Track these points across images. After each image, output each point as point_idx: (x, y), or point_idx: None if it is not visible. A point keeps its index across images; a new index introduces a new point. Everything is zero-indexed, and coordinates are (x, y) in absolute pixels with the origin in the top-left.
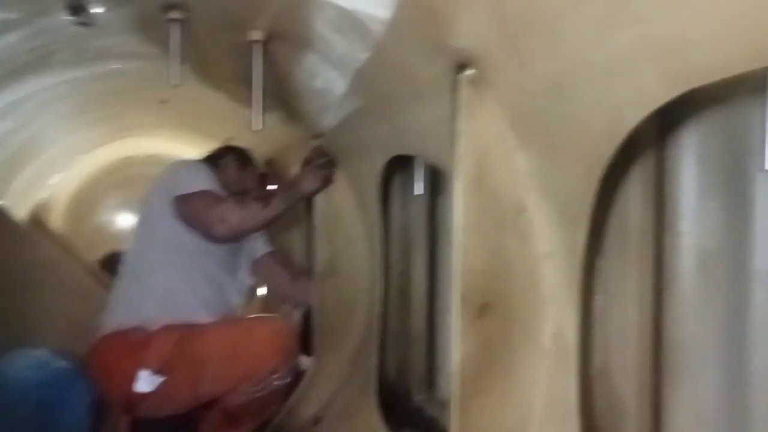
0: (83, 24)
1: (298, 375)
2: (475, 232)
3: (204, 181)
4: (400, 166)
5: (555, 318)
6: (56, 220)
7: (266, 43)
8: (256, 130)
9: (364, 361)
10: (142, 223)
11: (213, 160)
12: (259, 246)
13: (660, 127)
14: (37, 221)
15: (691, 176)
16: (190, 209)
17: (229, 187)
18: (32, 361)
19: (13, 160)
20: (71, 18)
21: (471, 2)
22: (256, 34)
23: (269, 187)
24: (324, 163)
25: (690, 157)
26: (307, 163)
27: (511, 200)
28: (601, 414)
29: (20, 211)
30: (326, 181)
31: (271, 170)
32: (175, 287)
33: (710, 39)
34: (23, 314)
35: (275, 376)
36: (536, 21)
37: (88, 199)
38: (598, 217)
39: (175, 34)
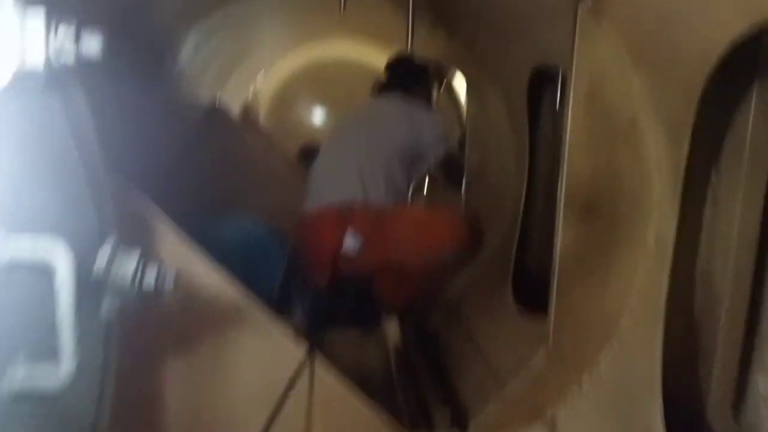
0: None
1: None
2: (586, 141)
3: None
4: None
5: (658, 224)
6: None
7: None
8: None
9: (505, 251)
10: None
11: None
12: None
13: None
14: (246, 118)
15: None
16: None
17: None
18: (240, 226)
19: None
20: None
21: None
22: None
23: None
24: None
25: None
26: None
27: (624, 114)
28: (701, 310)
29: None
30: None
31: None
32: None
33: None
34: (235, 197)
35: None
36: None
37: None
38: (713, 132)
39: None
